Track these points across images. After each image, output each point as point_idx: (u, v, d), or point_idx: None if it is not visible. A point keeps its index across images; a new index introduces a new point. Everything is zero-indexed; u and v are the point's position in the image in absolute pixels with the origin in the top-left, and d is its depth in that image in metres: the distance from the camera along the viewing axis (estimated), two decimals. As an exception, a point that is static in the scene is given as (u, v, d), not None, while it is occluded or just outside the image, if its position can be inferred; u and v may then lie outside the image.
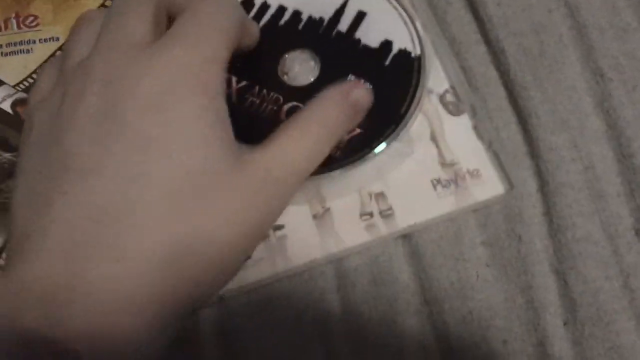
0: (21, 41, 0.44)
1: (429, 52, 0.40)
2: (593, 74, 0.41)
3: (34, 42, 0.44)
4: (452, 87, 0.40)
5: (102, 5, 0.46)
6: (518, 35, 0.42)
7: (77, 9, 0.46)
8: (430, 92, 0.40)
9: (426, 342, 0.37)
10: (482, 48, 0.42)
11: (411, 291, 0.38)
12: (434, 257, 0.38)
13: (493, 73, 0.42)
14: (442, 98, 0.40)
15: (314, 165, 0.28)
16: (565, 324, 0.36)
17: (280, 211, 0.28)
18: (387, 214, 0.38)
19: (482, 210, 0.39)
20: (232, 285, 0.38)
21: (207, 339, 0.38)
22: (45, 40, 0.44)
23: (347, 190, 0.39)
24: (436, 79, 0.40)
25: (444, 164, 0.39)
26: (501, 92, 0.41)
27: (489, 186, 0.38)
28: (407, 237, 0.39)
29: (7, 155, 0.40)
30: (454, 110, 0.40)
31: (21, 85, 0.43)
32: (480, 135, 0.39)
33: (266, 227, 0.29)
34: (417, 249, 0.38)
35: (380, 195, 0.39)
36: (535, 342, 0.36)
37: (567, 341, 0.36)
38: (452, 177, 0.38)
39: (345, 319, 0.37)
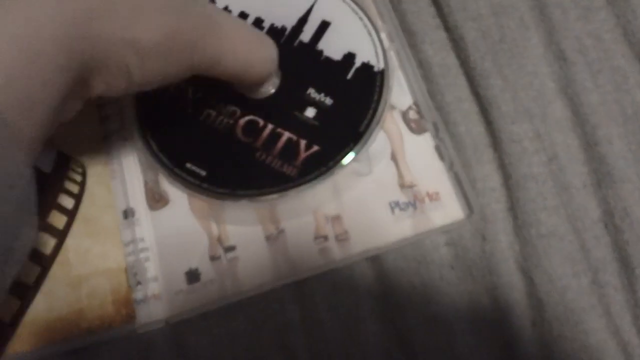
0: None
1: (393, 65, 0.38)
2: (556, 57, 0.38)
3: None
4: (416, 104, 0.38)
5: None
6: (477, 19, 0.39)
7: None
8: (393, 108, 0.38)
9: (390, 349, 0.34)
10: (441, 34, 0.40)
11: (373, 296, 0.35)
12: (396, 261, 0.36)
13: (453, 61, 0.40)
14: (404, 115, 0.38)
15: None
16: (533, 324, 0.34)
17: None
18: (342, 238, 0.36)
19: None
20: (178, 308, 0.36)
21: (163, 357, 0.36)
22: None
23: (302, 211, 0.37)
24: (400, 94, 0.39)
25: (403, 185, 0.37)
26: (461, 81, 0.39)
27: (448, 210, 0.36)
28: None
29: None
30: (417, 128, 0.38)
31: None
32: (441, 156, 0.37)
33: None
34: (378, 252, 0.36)
35: (337, 219, 0.36)
36: (502, 344, 0.34)
37: (535, 342, 0.33)
38: (411, 199, 0.36)
39: (305, 328, 0.35)
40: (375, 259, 0.36)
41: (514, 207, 0.36)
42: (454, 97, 0.39)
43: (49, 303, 0.36)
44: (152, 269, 0.38)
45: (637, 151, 0.36)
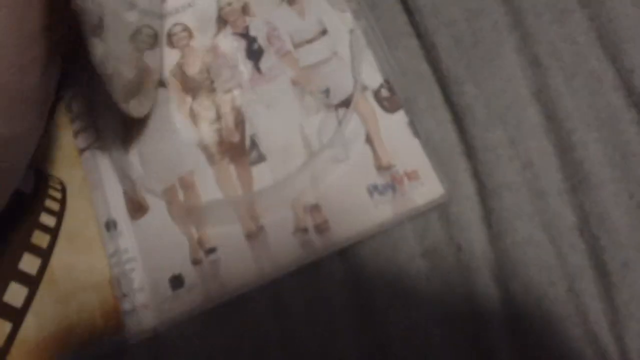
0: None
1: (361, 45, 0.37)
2: (530, 62, 0.37)
3: None
4: (387, 81, 0.37)
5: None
6: (449, 25, 0.38)
7: None
8: (365, 89, 0.37)
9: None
10: (413, 41, 0.39)
11: (349, 310, 0.35)
12: (372, 274, 0.35)
13: (426, 68, 0.38)
14: (377, 94, 0.37)
15: None
16: (510, 334, 0.33)
17: None
18: (322, 228, 0.35)
19: (420, 220, 0.36)
20: (165, 316, 0.36)
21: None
22: None
23: (280, 204, 0.36)
24: (370, 74, 0.37)
25: (380, 167, 0.36)
26: (435, 88, 0.38)
27: (427, 188, 0.35)
28: (343, 253, 0.36)
29: None
30: (390, 106, 0.37)
31: None
32: (416, 132, 0.36)
33: None
34: (355, 266, 0.35)
35: (315, 208, 0.36)
36: (480, 354, 0.33)
37: (513, 352, 0.33)
38: (389, 181, 0.36)
39: (283, 343, 0.35)
40: (351, 273, 0.35)
41: (488, 216, 0.35)
42: (427, 104, 0.37)
43: (38, 322, 0.36)
44: (137, 279, 0.37)
45: (613, 156, 0.35)
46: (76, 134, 0.41)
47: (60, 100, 0.41)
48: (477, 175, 0.36)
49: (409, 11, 0.39)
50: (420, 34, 0.39)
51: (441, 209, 0.36)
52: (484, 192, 0.35)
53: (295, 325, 0.35)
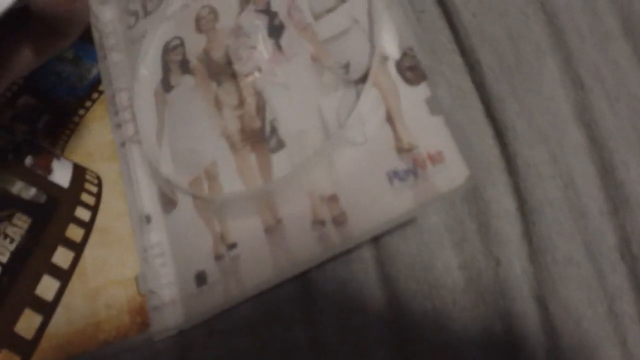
0: None
1: (380, 9, 0.33)
2: (573, 83, 0.36)
3: None
4: (410, 48, 0.33)
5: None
6: (493, 43, 0.37)
7: None
8: (386, 59, 0.33)
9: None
10: (457, 58, 0.38)
11: (383, 320, 0.34)
12: (408, 283, 0.34)
13: (468, 84, 0.37)
14: (399, 64, 0.33)
15: None
16: (547, 353, 0.32)
17: None
18: (339, 221, 0.33)
19: (457, 230, 0.35)
20: (190, 313, 0.35)
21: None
22: None
23: (298, 194, 0.34)
24: (391, 41, 0.33)
25: (401, 149, 0.32)
26: (477, 104, 0.37)
27: (452, 171, 0.31)
28: (379, 259, 0.35)
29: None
30: (413, 77, 0.33)
31: None
32: (439, 108, 0.32)
33: None
34: (389, 274, 0.34)
35: (333, 199, 0.33)
36: None
37: None
38: (411, 165, 0.32)
39: (312, 350, 0.34)
40: (386, 282, 0.34)
41: (528, 232, 0.34)
42: (469, 120, 0.37)
43: (68, 316, 0.36)
44: (166, 275, 0.37)
45: (655, 178, 0.34)
46: (116, 128, 0.40)
47: (101, 94, 0.42)
48: (518, 191, 0.35)
49: (453, 28, 0.39)
50: (464, 51, 0.38)
51: (480, 221, 0.35)
52: (524, 208, 0.34)
53: (325, 331, 0.34)
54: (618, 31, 0.37)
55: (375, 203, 0.32)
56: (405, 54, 0.33)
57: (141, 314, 0.36)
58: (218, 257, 0.35)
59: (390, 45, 0.33)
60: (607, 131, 0.35)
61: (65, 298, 0.37)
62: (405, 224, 0.34)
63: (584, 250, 0.33)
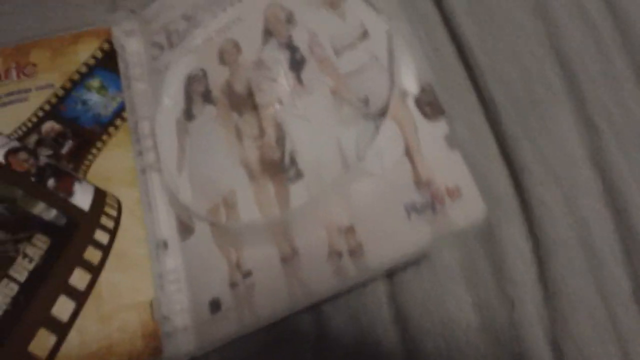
0: (18, 90, 0.43)
1: (400, 47, 0.35)
2: (586, 125, 0.37)
3: (30, 90, 0.43)
4: (429, 84, 0.34)
5: (99, 49, 0.45)
6: (507, 83, 0.38)
7: (74, 54, 0.44)
8: (405, 94, 0.34)
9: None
10: (471, 97, 0.39)
11: (395, 356, 0.34)
12: (421, 320, 0.34)
13: (483, 123, 0.38)
14: (418, 99, 0.34)
15: None
16: None
17: None
18: (356, 253, 0.33)
19: (471, 268, 0.35)
20: (203, 340, 0.35)
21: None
22: (40, 87, 0.43)
23: (315, 224, 0.34)
24: (410, 77, 0.35)
25: (419, 182, 0.33)
26: (491, 142, 0.37)
27: (469, 207, 0.32)
28: (392, 297, 0.35)
29: (-4, 206, 0.41)
30: (431, 112, 0.34)
31: (15, 134, 0.41)
32: (457, 143, 0.33)
33: None
34: (403, 309, 0.34)
35: (349, 230, 0.33)
36: None
37: None
38: (428, 199, 0.32)
39: None
40: (399, 318, 0.34)
41: (543, 273, 0.34)
42: (483, 157, 0.37)
43: (81, 339, 0.36)
44: (180, 301, 0.37)
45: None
46: (137, 155, 0.41)
47: (125, 121, 0.43)
48: (532, 231, 0.35)
49: (467, 66, 0.39)
50: (479, 89, 0.39)
51: (494, 260, 0.35)
52: (539, 248, 0.34)
53: None
54: (629, 77, 0.38)
55: (393, 235, 0.32)
56: (423, 89, 0.34)
57: (154, 339, 0.36)
58: (233, 285, 0.36)
59: (409, 81, 0.34)
60: (620, 175, 0.35)
61: (79, 320, 0.37)
62: (419, 259, 0.35)
63: (597, 292, 0.33)
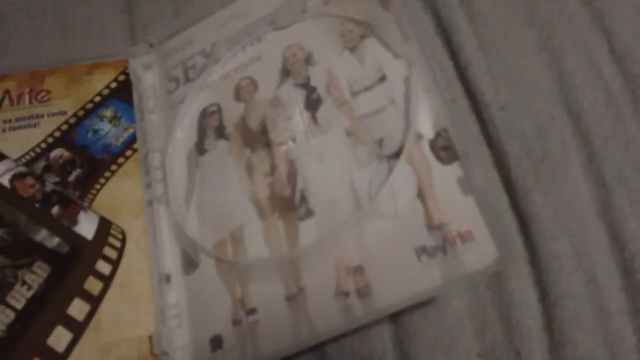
0: (30, 115, 0.43)
1: (417, 90, 0.35)
2: (596, 181, 0.37)
3: (42, 116, 0.43)
4: (445, 130, 0.34)
5: (115, 80, 0.46)
6: (521, 137, 0.38)
7: (90, 83, 0.45)
8: (420, 137, 0.34)
9: None
10: (484, 149, 0.39)
11: None
12: None
13: (495, 174, 0.38)
14: (433, 143, 0.34)
15: None
16: None
17: None
18: (364, 293, 0.32)
19: (479, 317, 0.35)
20: None
21: None
22: (53, 114, 0.43)
23: (323, 263, 0.34)
24: (426, 121, 0.35)
25: (431, 226, 0.32)
26: (502, 195, 0.38)
27: (481, 251, 0.31)
28: (397, 337, 0.35)
29: (0, 231, 0.40)
30: (446, 156, 0.33)
31: (23, 159, 0.41)
32: (470, 188, 0.33)
33: None
34: (409, 354, 0.34)
35: (358, 270, 0.33)
36: None
37: None
38: (440, 242, 0.32)
39: None
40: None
41: (550, 325, 0.34)
42: (494, 207, 0.36)
43: None
44: (180, 336, 0.36)
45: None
46: (146, 186, 0.41)
47: (135, 152, 0.42)
48: (541, 283, 0.35)
49: (481, 120, 0.40)
50: (492, 144, 0.39)
51: (502, 310, 0.35)
52: (546, 301, 0.34)
53: None
54: (639, 136, 0.38)
55: (402, 277, 0.32)
56: (439, 134, 0.34)
57: (151, 375, 0.35)
58: (236, 322, 0.35)
59: (425, 125, 0.34)
60: (629, 232, 0.35)
61: (77, 350, 0.36)
62: (427, 304, 0.34)
63: (604, 348, 0.33)
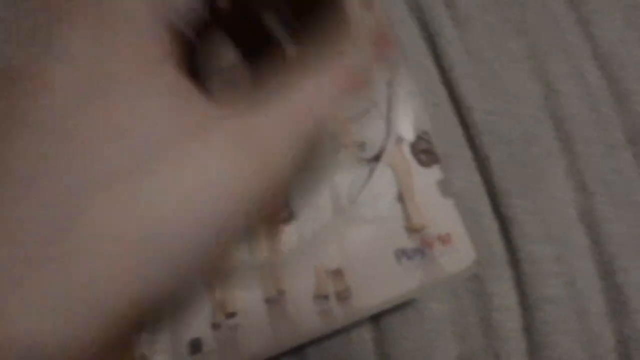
0: None
1: (398, 94, 0.35)
2: (578, 186, 0.37)
3: None
4: (425, 132, 0.34)
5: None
6: (503, 142, 0.38)
7: None
8: (401, 140, 0.34)
9: None
10: (467, 153, 0.39)
11: None
12: None
13: (477, 178, 0.38)
14: (414, 146, 0.34)
15: None
16: None
17: None
18: (343, 296, 0.32)
19: (459, 321, 0.35)
20: None
21: None
22: None
23: (304, 267, 0.34)
24: (407, 125, 0.35)
25: (411, 229, 0.32)
26: (484, 198, 0.38)
27: (461, 254, 0.31)
28: (379, 346, 0.35)
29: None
30: (426, 159, 0.34)
31: None
32: (450, 191, 0.33)
33: None
34: (389, 358, 0.34)
35: (338, 273, 0.33)
36: None
37: None
38: (419, 245, 0.32)
39: None
40: None
41: (529, 328, 0.34)
42: (474, 210, 0.37)
43: None
44: (160, 339, 0.36)
45: (654, 284, 0.35)
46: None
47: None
48: (521, 286, 0.35)
49: (464, 124, 0.40)
50: (475, 147, 0.39)
51: (482, 314, 0.35)
52: (526, 303, 0.35)
53: None
54: (623, 142, 0.39)
55: (381, 280, 0.32)
56: (420, 137, 0.34)
57: (129, 378, 0.35)
58: (215, 326, 0.34)
59: (406, 128, 0.34)
60: (609, 236, 0.36)
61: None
62: (408, 308, 0.34)
63: (582, 350, 0.33)
